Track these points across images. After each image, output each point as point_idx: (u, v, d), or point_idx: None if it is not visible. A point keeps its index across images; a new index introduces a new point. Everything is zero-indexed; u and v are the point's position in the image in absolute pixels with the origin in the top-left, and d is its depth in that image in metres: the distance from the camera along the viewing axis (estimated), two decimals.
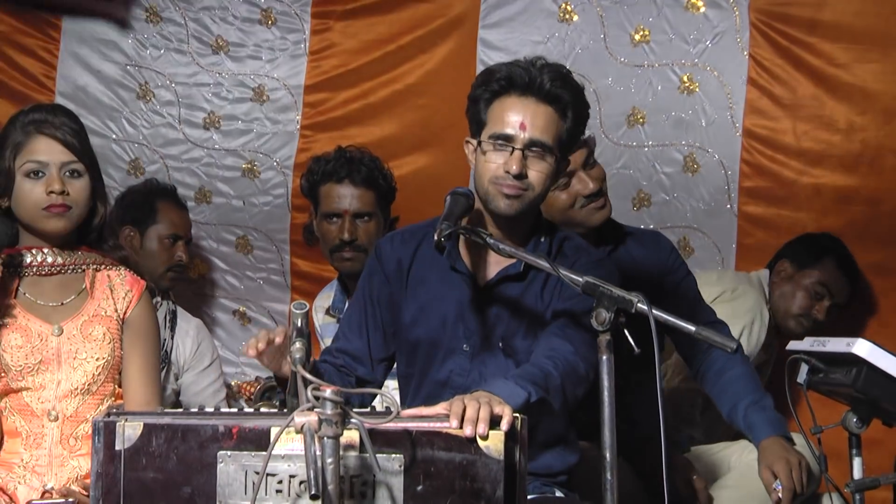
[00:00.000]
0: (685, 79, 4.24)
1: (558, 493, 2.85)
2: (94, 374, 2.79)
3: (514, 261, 2.72)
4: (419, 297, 2.79)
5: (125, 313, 2.85)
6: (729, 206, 4.22)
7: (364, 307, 2.85)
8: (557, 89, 2.68)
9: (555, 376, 2.49)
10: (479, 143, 2.69)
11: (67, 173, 2.76)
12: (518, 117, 2.66)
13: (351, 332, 2.85)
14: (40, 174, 2.75)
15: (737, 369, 3.23)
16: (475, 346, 2.75)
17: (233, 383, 4.16)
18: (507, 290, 2.75)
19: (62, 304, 2.82)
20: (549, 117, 2.67)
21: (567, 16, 4.31)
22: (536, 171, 2.66)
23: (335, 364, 2.79)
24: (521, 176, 2.64)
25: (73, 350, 2.78)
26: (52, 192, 2.73)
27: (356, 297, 2.91)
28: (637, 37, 4.28)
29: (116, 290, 2.85)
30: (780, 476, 2.98)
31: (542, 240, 2.77)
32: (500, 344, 2.74)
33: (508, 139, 2.65)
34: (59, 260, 2.81)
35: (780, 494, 2.97)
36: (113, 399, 2.83)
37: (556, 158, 2.68)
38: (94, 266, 2.85)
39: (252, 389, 4.04)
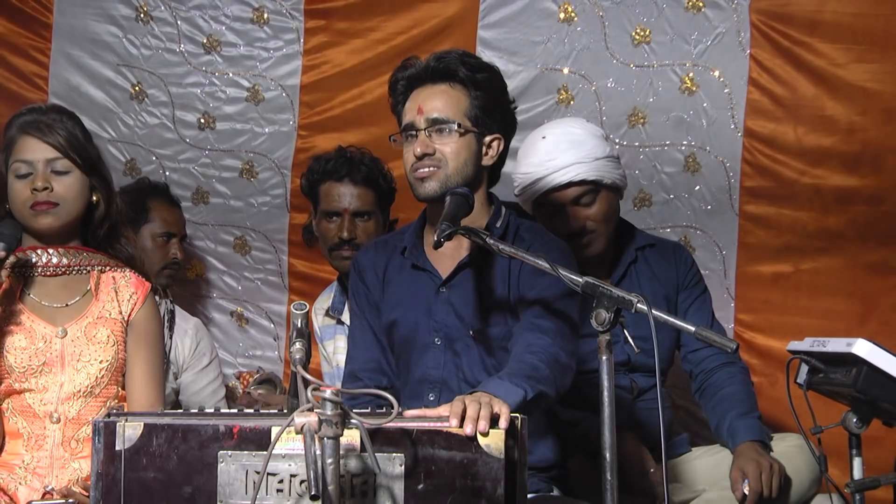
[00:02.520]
0: (686, 79, 4.24)
1: (556, 492, 2.86)
2: (97, 377, 2.79)
3: (469, 250, 2.75)
4: (393, 299, 2.85)
5: (130, 315, 2.84)
6: (730, 205, 4.22)
7: (363, 320, 2.90)
8: (445, 65, 2.76)
9: (542, 367, 2.52)
10: (394, 142, 2.80)
11: (53, 171, 2.76)
12: (415, 104, 2.76)
13: (366, 348, 2.88)
14: (27, 174, 2.76)
15: (732, 387, 3.25)
16: (446, 338, 2.78)
17: (231, 384, 4.16)
18: (470, 279, 2.78)
19: (66, 305, 2.81)
20: (447, 94, 2.76)
21: (567, 16, 4.31)
22: (443, 145, 2.73)
23: (375, 384, 2.80)
24: (429, 155, 2.71)
25: (76, 352, 2.78)
26: (35, 189, 2.74)
27: (353, 316, 2.95)
28: (637, 37, 4.27)
29: (121, 291, 2.85)
30: (749, 477, 2.99)
31: (498, 225, 2.80)
32: (471, 333, 2.76)
33: (411, 127, 2.75)
34: (65, 261, 2.81)
35: (745, 491, 2.98)
36: (116, 402, 2.82)
37: (469, 131, 2.74)
38: (100, 267, 2.85)
39: (249, 378, 4.05)
